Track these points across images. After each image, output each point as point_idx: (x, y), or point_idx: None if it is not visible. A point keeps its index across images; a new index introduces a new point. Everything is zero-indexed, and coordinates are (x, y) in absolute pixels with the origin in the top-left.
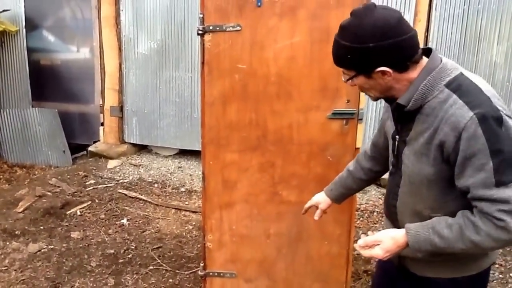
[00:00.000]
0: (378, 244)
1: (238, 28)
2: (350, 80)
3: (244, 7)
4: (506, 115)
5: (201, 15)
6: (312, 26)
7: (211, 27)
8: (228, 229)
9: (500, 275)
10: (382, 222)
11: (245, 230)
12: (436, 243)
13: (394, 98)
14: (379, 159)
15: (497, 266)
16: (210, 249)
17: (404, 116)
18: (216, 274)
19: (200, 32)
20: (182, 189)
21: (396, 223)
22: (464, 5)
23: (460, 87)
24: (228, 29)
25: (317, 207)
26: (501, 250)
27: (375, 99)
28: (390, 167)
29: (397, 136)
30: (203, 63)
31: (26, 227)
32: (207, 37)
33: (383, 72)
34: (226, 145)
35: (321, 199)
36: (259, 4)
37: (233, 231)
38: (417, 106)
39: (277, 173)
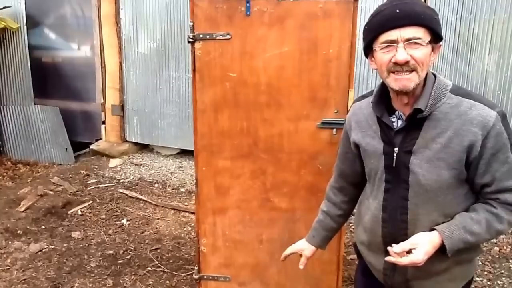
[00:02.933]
0: (414, 249)
1: (228, 36)
2: (419, 48)
3: (233, 16)
4: None
5: (191, 23)
6: (300, 36)
7: (201, 35)
8: (222, 234)
9: (488, 282)
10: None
11: (238, 236)
12: (468, 240)
13: (391, 108)
14: (347, 189)
15: (485, 273)
16: (205, 253)
17: (409, 125)
18: (210, 278)
19: (190, 40)
20: (182, 190)
21: (401, 240)
22: (457, 13)
23: (468, 93)
24: (218, 38)
25: (300, 254)
26: (489, 257)
27: (415, 86)
28: (383, 185)
29: (395, 149)
30: (194, 70)
31: (28, 227)
32: (197, 45)
33: (439, 47)
34: (219, 152)
35: (304, 246)
36: (248, 13)
37: (227, 236)
38: (429, 112)
39: (269, 180)
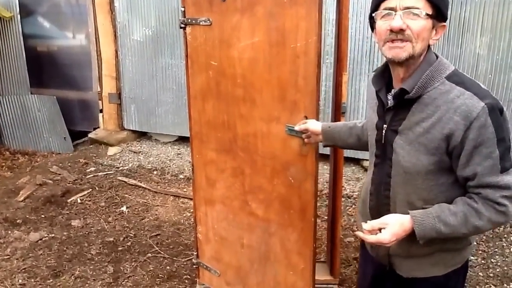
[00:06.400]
0: (383, 228)
1: (208, 22)
2: (417, 19)
3: (212, 1)
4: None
5: (183, 9)
6: (269, 25)
7: (189, 20)
8: (212, 226)
9: (483, 261)
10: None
11: (224, 233)
12: (441, 231)
13: (390, 85)
14: None
15: (480, 252)
16: (201, 240)
17: (399, 105)
18: (205, 266)
19: (182, 25)
20: (181, 176)
21: (383, 216)
22: None
23: (463, 80)
24: (201, 23)
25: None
26: (484, 236)
27: (407, 56)
28: (374, 159)
29: (384, 126)
30: (186, 56)
31: (27, 216)
32: (188, 29)
33: (443, 28)
34: (207, 142)
35: (313, 121)
36: None
37: (215, 230)
38: (418, 95)
39: (247, 182)
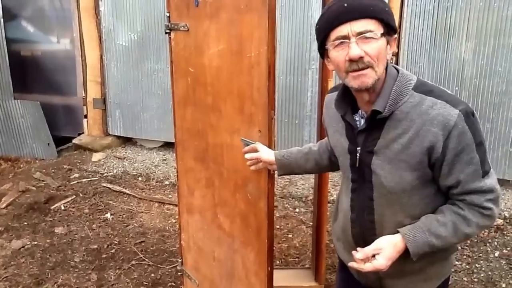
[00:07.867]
0: (377, 254)
1: (186, 28)
2: (372, 41)
3: (189, 5)
4: None
5: (168, 14)
6: (230, 32)
7: (172, 25)
8: (191, 235)
9: (467, 266)
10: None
11: (201, 243)
12: (434, 244)
13: (353, 106)
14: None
15: (464, 257)
16: (184, 247)
17: (371, 124)
18: (187, 275)
19: (167, 31)
20: (166, 182)
21: (371, 240)
22: (434, 2)
23: (431, 89)
24: (181, 28)
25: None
26: (468, 241)
27: (373, 82)
28: (350, 184)
29: (358, 148)
30: (171, 62)
31: (10, 223)
32: (172, 35)
33: (395, 40)
34: (187, 149)
35: (266, 151)
36: (196, 3)
37: (195, 239)
38: (390, 112)
39: (217, 194)
